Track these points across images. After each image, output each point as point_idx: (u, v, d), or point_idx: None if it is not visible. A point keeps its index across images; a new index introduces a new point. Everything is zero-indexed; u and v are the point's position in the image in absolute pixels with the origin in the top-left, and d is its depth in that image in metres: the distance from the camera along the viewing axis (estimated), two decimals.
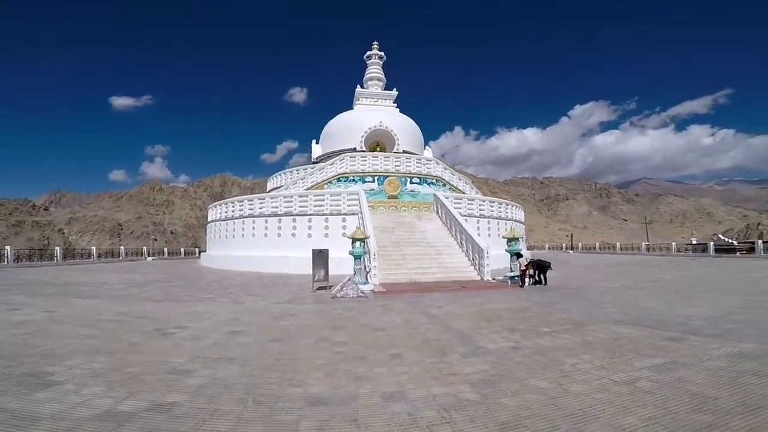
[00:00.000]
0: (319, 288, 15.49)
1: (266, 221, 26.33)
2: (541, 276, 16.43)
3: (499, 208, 30.23)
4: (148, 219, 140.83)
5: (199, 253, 50.95)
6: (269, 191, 37.47)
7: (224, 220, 29.93)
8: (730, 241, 40.98)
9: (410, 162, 30.85)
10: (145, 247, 44.46)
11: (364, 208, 21.93)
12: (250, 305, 11.68)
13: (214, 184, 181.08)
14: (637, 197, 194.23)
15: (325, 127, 41.98)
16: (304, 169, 36.22)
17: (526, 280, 16.00)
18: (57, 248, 29.88)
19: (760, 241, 32.01)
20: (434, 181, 30.76)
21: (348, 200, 25.04)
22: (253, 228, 26.86)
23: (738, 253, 34.35)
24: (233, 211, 28.93)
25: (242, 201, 28.53)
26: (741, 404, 4.13)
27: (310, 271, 21.95)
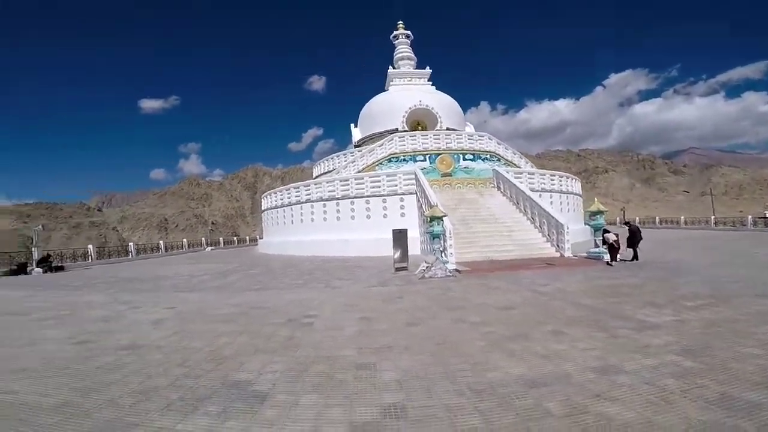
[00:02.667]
0: (399, 269, 15.32)
1: (324, 205, 26.44)
2: (635, 250, 15.35)
3: (560, 181, 29.04)
4: (190, 212, 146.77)
5: (249, 241, 52.67)
6: (316, 177, 37.71)
7: (280, 207, 30.34)
8: None
9: (461, 138, 30.00)
10: (203, 238, 46.25)
11: (426, 186, 21.47)
12: (346, 290, 11.64)
13: (247, 176, 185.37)
14: (686, 168, 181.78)
15: (363, 110, 41.39)
16: (351, 153, 36.00)
17: (617, 256, 15.09)
18: (131, 244, 31.53)
19: None
20: (488, 156, 29.82)
21: (404, 180, 24.68)
22: (312, 213, 27.06)
23: None
24: (289, 198, 29.22)
25: (298, 187, 28.72)
26: None
27: (373, 253, 22.31)
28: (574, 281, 11.28)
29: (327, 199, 26.41)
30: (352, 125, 42.06)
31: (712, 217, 44.48)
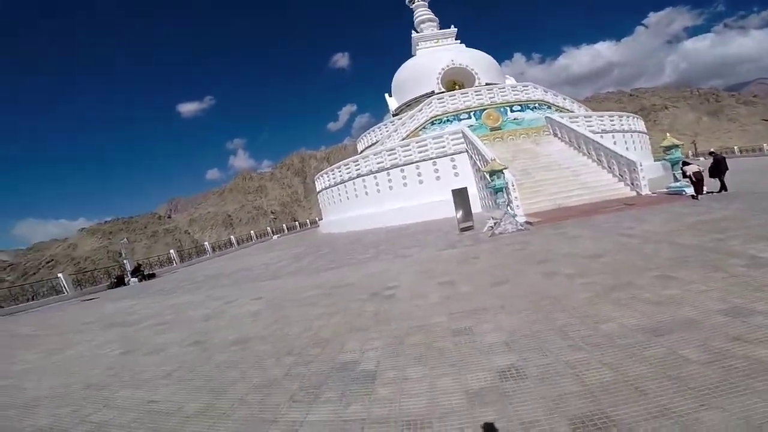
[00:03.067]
0: (464, 229, 15.07)
1: (375, 177, 26.60)
2: (721, 180, 13.89)
3: (620, 120, 27.08)
4: (249, 205, 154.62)
5: (309, 223, 54.75)
6: (361, 152, 37.81)
7: (333, 186, 30.96)
8: None
9: (505, 91, 28.49)
10: (268, 228, 48.87)
11: (476, 142, 20.68)
12: (417, 257, 11.65)
13: (294, 162, 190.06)
14: (756, 98, 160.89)
15: (395, 79, 40.41)
16: (391, 123, 35.49)
17: (704, 188, 13.67)
18: (206, 243, 33.99)
19: None
20: (536, 105, 28.10)
21: (452, 140, 24.02)
22: (365, 186, 27.38)
23: None
24: (341, 176, 29.67)
25: (347, 164, 29.01)
26: None
27: (430, 217, 22.23)
28: (661, 220, 10.37)
29: (377, 171, 26.49)
30: (387, 95, 41.38)
31: None
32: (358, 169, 27.71)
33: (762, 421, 2.53)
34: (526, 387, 3.43)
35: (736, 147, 52.20)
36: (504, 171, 15.18)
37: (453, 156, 23.94)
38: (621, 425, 2.71)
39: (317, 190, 36.61)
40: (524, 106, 27.84)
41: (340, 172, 29.80)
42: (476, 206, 19.84)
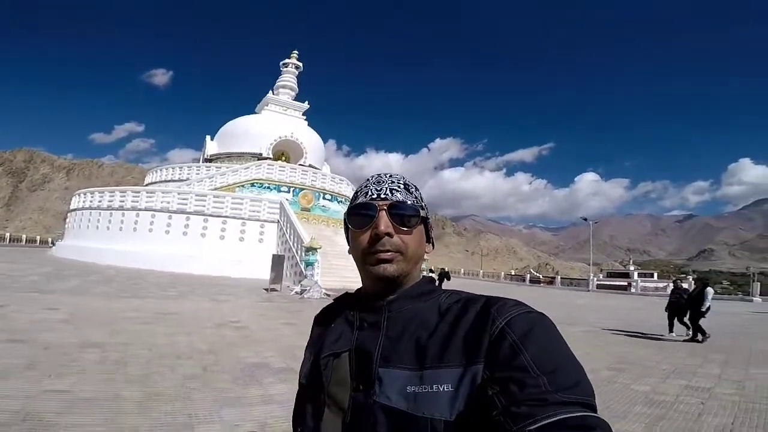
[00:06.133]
0: (272, 290, 16.41)
1: (170, 217, 24.57)
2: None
3: None
4: None
5: (27, 240, 40.88)
6: (147, 185, 33.98)
7: (106, 210, 26.15)
8: (538, 274, 55.42)
9: (325, 179, 32.85)
10: None
11: (293, 218, 23.08)
12: (237, 303, 12.33)
13: (16, 159, 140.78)
14: (465, 231, 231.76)
15: (227, 126, 39.75)
16: (207, 167, 33.99)
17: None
18: None
19: (559, 277, 45.10)
20: (343, 200, 33.27)
21: (269, 207, 25.56)
22: (152, 223, 24.62)
23: (542, 284, 46.55)
24: (122, 202, 25.70)
25: (138, 192, 25.80)
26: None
27: (225, 274, 22.22)
28: None
29: (174, 211, 24.68)
30: (208, 137, 39.72)
31: (480, 271, 59.41)
32: (151, 203, 24.96)
33: None
34: None
35: (446, 267, 73.08)
36: (318, 249, 18.00)
37: (264, 222, 25.19)
38: None
39: (72, 207, 29.65)
40: (333, 197, 32.36)
41: (123, 197, 25.87)
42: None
